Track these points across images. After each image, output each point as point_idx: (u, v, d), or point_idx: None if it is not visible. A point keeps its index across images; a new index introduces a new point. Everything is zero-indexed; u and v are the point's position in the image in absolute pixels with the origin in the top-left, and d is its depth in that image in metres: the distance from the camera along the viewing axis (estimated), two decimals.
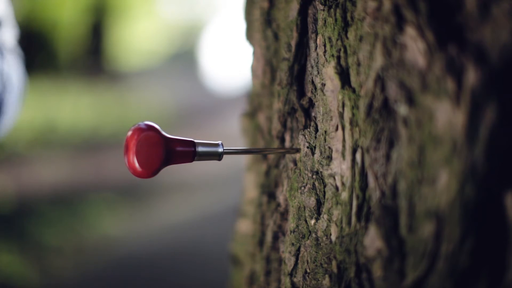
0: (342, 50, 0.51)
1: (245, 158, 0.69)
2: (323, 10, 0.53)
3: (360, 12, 0.49)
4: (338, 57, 0.52)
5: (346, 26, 0.51)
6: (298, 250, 0.56)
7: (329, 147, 0.53)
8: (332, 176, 0.52)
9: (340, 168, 0.51)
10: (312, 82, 0.55)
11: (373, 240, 0.48)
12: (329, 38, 0.52)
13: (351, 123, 0.50)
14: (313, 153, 0.54)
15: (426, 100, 0.45)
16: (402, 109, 0.46)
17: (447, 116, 0.43)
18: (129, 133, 0.53)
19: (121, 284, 2.50)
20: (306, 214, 0.55)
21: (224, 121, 5.29)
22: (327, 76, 0.53)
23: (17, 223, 2.86)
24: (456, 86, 0.43)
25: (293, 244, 0.56)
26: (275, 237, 0.61)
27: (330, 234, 0.52)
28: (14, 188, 3.06)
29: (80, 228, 3.04)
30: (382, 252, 0.47)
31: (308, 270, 0.54)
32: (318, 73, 0.54)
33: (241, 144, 0.69)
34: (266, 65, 0.63)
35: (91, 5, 5.02)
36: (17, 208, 2.95)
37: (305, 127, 0.56)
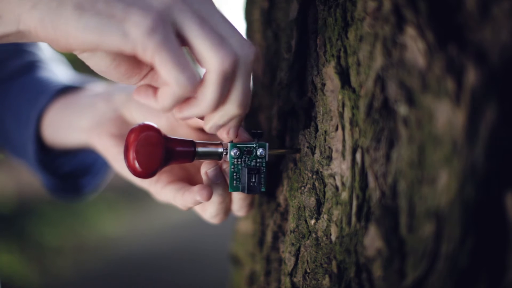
0: (342, 50, 0.51)
1: None
2: (323, 10, 0.53)
3: (360, 12, 0.49)
4: (338, 57, 0.52)
5: (346, 26, 0.51)
6: (298, 250, 0.56)
7: (329, 147, 0.53)
8: (332, 176, 0.52)
9: (340, 168, 0.51)
10: (312, 82, 0.55)
11: (373, 240, 0.48)
12: (329, 38, 0.52)
13: (351, 123, 0.50)
14: (313, 153, 0.54)
15: (426, 100, 0.45)
16: (402, 109, 0.46)
17: (447, 116, 0.43)
18: (129, 133, 0.53)
19: (121, 284, 2.50)
20: (306, 214, 0.55)
21: None
22: (327, 76, 0.53)
23: (17, 223, 2.85)
24: (456, 86, 0.43)
25: (293, 244, 0.56)
26: (275, 237, 0.61)
27: (330, 234, 0.52)
28: (14, 188, 3.06)
29: (80, 228, 3.04)
30: (382, 252, 0.47)
31: (308, 270, 0.54)
32: (318, 73, 0.54)
33: None
34: (266, 65, 0.63)
35: None
36: (17, 208, 2.94)
37: (305, 127, 0.56)
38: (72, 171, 0.79)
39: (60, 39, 0.44)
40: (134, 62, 0.49)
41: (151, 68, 0.51)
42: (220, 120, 0.50)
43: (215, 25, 0.47)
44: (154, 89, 0.49)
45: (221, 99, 0.48)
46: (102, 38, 0.43)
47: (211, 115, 0.50)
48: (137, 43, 0.43)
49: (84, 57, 0.48)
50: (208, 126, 0.51)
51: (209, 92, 0.47)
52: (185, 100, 0.49)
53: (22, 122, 0.74)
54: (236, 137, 0.53)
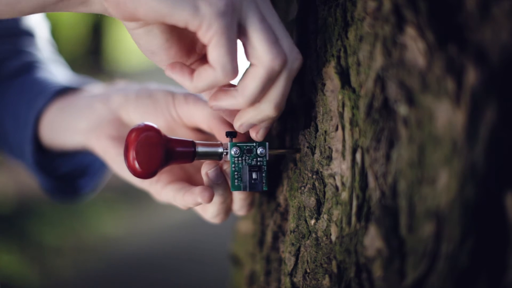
0: (342, 50, 0.51)
1: None
2: (323, 10, 0.53)
3: (360, 12, 0.49)
4: (338, 57, 0.52)
5: (346, 26, 0.51)
6: (298, 250, 0.56)
7: (329, 147, 0.53)
8: (332, 176, 0.52)
9: (340, 168, 0.51)
10: (312, 82, 0.55)
11: (373, 240, 0.48)
12: (329, 38, 0.52)
13: (351, 123, 0.50)
14: (313, 153, 0.54)
15: (426, 100, 0.45)
16: (402, 109, 0.46)
17: (447, 116, 0.43)
18: (129, 133, 0.53)
19: (121, 284, 2.50)
20: (306, 214, 0.55)
21: None
22: (327, 76, 0.53)
23: (17, 223, 2.85)
24: (456, 86, 0.43)
25: (293, 244, 0.56)
26: (275, 237, 0.61)
27: (330, 234, 0.53)
28: (14, 188, 3.06)
29: (80, 228, 3.04)
30: (382, 252, 0.47)
31: (308, 270, 0.54)
32: (318, 73, 0.54)
33: None
34: None
35: None
36: (17, 208, 2.94)
37: (305, 127, 0.56)
38: (69, 172, 0.79)
39: (129, 4, 0.45)
40: (184, 47, 0.51)
41: (197, 59, 0.52)
42: (253, 118, 0.51)
43: (272, 24, 0.48)
44: (190, 69, 0.50)
45: (260, 96, 0.49)
46: (174, 9, 0.44)
47: (245, 112, 0.51)
48: (204, 21, 0.44)
49: (138, 33, 0.49)
50: (239, 123, 0.52)
51: (252, 85, 0.48)
52: (223, 90, 0.50)
53: (20, 123, 0.74)
54: (263, 139, 0.54)
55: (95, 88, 0.74)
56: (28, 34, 0.83)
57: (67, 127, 0.69)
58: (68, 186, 0.80)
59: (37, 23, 0.85)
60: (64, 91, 0.74)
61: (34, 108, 0.72)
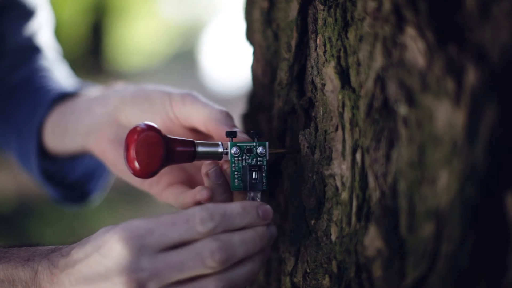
0: (342, 50, 0.51)
1: None
2: (323, 10, 0.53)
3: (360, 12, 0.49)
4: (338, 57, 0.52)
5: (346, 26, 0.51)
6: (298, 250, 0.56)
7: (329, 147, 0.53)
8: (332, 176, 0.52)
9: (340, 168, 0.51)
10: (312, 82, 0.55)
11: (373, 240, 0.48)
12: (329, 38, 0.52)
13: (351, 123, 0.50)
14: (313, 153, 0.54)
15: (426, 100, 0.45)
16: (402, 109, 0.46)
17: (447, 116, 0.43)
18: (129, 133, 0.53)
19: None
20: (306, 214, 0.55)
21: None
22: (327, 76, 0.53)
23: (17, 223, 2.85)
24: (456, 86, 0.43)
25: (293, 244, 0.56)
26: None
27: (330, 234, 0.53)
28: (14, 188, 3.06)
29: (80, 228, 3.04)
30: (382, 252, 0.47)
31: (308, 270, 0.54)
32: (318, 73, 0.54)
33: None
34: (266, 65, 0.63)
35: (91, 5, 5.01)
36: (17, 208, 2.94)
37: (305, 127, 0.56)
38: (78, 179, 0.79)
39: None
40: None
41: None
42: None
43: None
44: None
45: None
46: None
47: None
48: None
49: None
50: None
51: None
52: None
53: (24, 137, 0.75)
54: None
55: (94, 90, 0.74)
56: (35, 50, 0.84)
57: (67, 131, 0.70)
58: (77, 193, 0.80)
59: (44, 21, 0.86)
60: (64, 96, 0.74)
61: (35, 120, 0.73)
